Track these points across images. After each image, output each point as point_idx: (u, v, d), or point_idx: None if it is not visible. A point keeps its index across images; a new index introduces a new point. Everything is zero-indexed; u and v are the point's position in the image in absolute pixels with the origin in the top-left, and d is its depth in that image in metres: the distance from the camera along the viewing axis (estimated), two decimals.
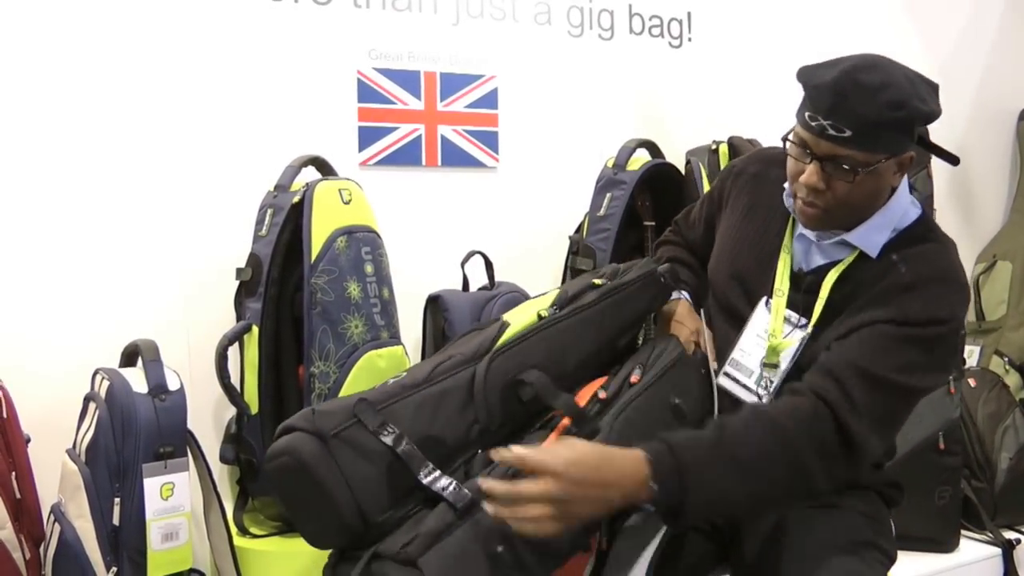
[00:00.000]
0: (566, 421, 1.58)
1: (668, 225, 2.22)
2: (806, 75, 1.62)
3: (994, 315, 3.67)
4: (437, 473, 1.44)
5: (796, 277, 1.78)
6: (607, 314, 1.75)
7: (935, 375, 1.65)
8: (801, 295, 1.75)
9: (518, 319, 1.68)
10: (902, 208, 1.71)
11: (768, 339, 1.77)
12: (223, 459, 2.41)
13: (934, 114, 1.60)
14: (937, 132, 3.17)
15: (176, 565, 2.10)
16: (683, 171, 2.88)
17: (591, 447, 1.45)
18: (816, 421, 1.54)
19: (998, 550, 2.96)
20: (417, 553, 1.35)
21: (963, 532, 2.99)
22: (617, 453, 1.44)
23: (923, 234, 1.71)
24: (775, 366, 1.76)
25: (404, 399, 1.50)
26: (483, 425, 1.54)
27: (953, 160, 1.72)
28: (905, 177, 1.71)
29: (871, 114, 1.55)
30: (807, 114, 1.61)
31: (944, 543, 2.91)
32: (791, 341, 1.74)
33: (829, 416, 1.54)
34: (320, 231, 2.23)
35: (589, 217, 2.71)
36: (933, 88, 1.63)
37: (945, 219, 3.50)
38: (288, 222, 2.28)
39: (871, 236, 1.70)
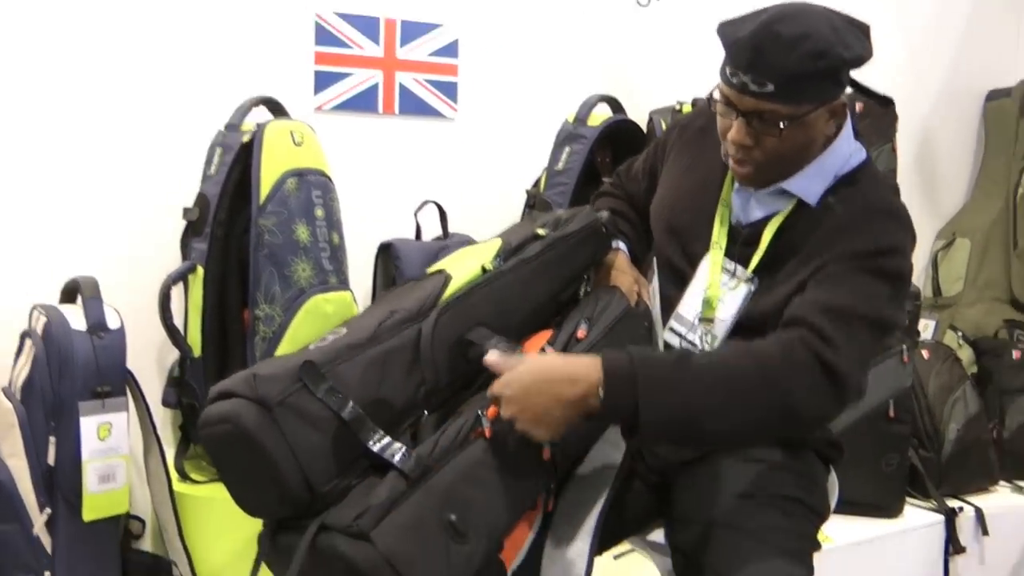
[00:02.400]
0: None
1: None
2: (725, 30, 1.59)
3: (951, 291, 3.69)
4: (386, 439, 1.37)
5: (734, 231, 1.74)
6: (552, 267, 1.70)
7: (896, 308, 1.61)
8: (739, 247, 1.72)
9: (460, 271, 1.62)
10: (843, 155, 1.68)
11: (705, 292, 1.74)
12: (165, 403, 2.38)
13: (862, 59, 1.56)
14: (905, 110, 3.25)
15: (112, 508, 2.07)
16: (645, 130, 2.85)
17: (555, 356, 1.50)
18: (795, 354, 1.50)
19: (941, 517, 2.99)
20: (370, 525, 1.29)
21: (908, 500, 3.01)
22: (575, 359, 1.47)
23: (860, 178, 1.68)
24: (711, 320, 1.73)
25: (350, 360, 1.42)
26: (430, 386, 1.48)
27: (885, 101, 1.69)
28: (848, 124, 1.69)
29: (792, 66, 1.51)
30: (728, 70, 1.58)
31: (889, 509, 2.94)
32: (732, 294, 1.71)
33: (808, 352, 1.50)
34: (270, 172, 2.19)
35: (547, 171, 2.69)
36: (862, 31, 1.59)
37: (908, 195, 3.38)
38: (237, 162, 2.23)
39: (809, 184, 1.67)
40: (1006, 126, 3.85)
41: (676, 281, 1.80)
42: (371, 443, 1.37)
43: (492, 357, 1.46)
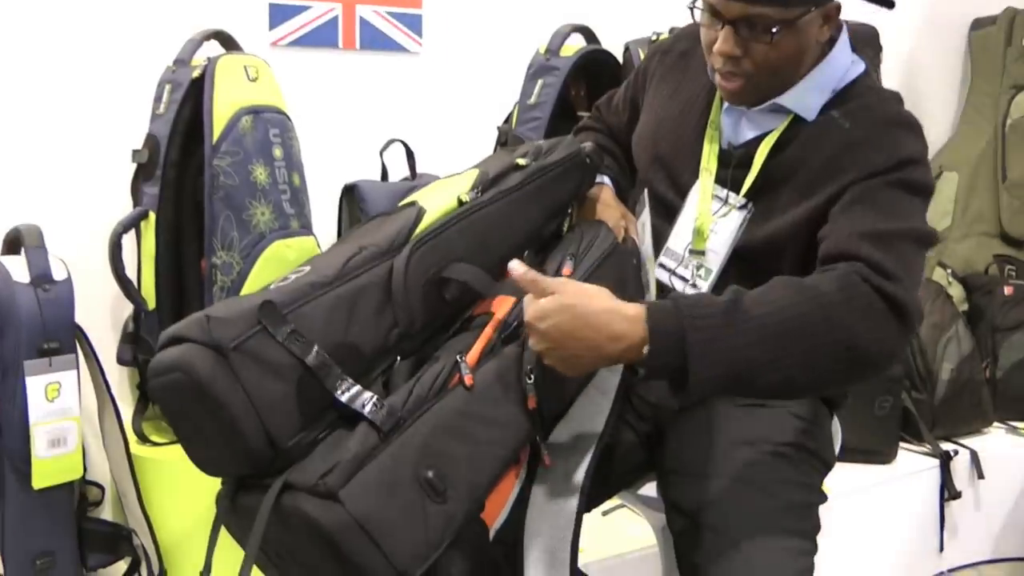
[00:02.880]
0: (497, 319, 1.42)
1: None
2: None
3: (938, 226, 3.59)
4: (356, 388, 1.25)
5: (725, 155, 1.64)
6: (534, 198, 1.58)
7: (925, 218, 1.51)
8: (731, 172, 1.61)
9: (434, 203, 1.49)
10: (841, 66, 1.58)
11: (694, 221, 1.63)
12: (120, 360, 2.26)
13: None
14: (888, 42, 3.14)
15: (65, 474, 1.95)
16: (621, 60, 2.73)
17: (600, 295, 1.34)
18: (855, 291, 1.37)
19: (936, 462, 2.94)
20: (338, 484, 1.17)
21: (901, 444, 2.96)
22: (620, 308, 1.32)
23: (863, 91, 1.58)
24: (702, 252, 1.63)
25: (314, 300, 1.28)
26: (403, 328, 1.36)
27: (888, 4, 1.59)
28: (844, 34, 1.59)
29: None
30: None
31: (882, 454, 2.88)
32: (725, 221, 1.60)
33: (867, 287, 1.37)
34: (223, 109, 2.08)
35: (519, 106, 2.59)
36: None
37: None
38: (188, 99, 2.13)
39: (805, 97, 1.56)
40: (992, 55, 3.74)
41: (665, 214, 1.70)
42: (338, 392, 1.24)
43: (519, 269, 1.33)
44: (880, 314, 1.36)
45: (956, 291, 3.38)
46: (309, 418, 1.24)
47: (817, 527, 1.50)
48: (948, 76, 3.92)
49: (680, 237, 1.66)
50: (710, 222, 1.61)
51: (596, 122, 1.98)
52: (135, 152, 2.18)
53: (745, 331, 1.30)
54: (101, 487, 2.23)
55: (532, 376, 1.36)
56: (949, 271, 3.47)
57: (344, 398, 1.24)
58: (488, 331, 1.39)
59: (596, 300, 1.32)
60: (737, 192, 1.59)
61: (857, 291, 1.36)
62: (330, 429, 1.25)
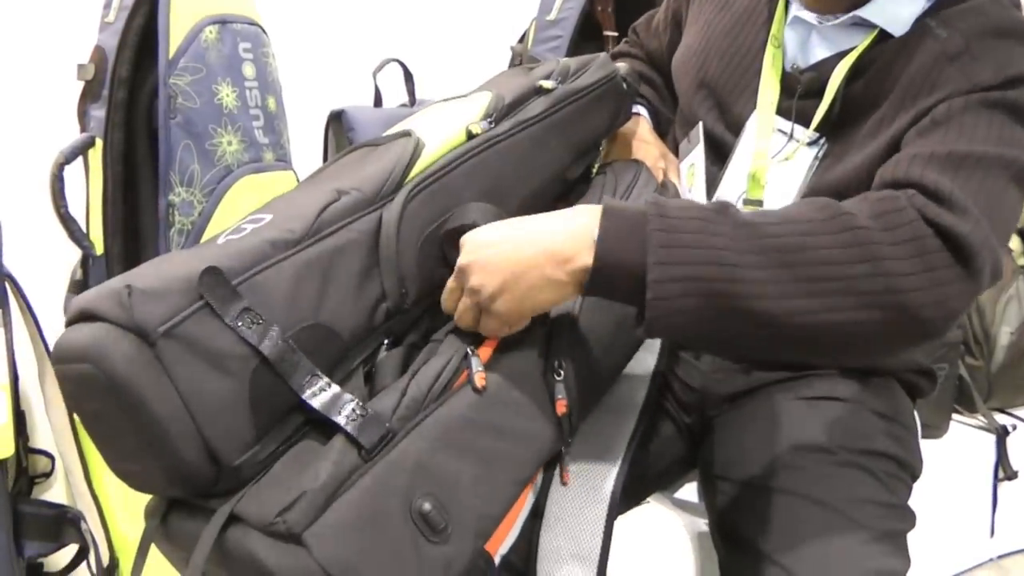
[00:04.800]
0: None
1: None
2: None
3: None
4: (331, 390, 0.96)
5: (789, 79, 1.35)
6: (560, 131, 1.28)
7: None
8: (798, 101, 1.33)
9: (436, 135, 1.18)
10: None
11: (751, 163, 1.34)
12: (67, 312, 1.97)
13: None
14: None
15: None
16: None
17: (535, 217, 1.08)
18: (897, 217, 1.04)
19: (991, 437, 2.67)
20: (303, 523, 0.88)
21: (953, 416, 2.68)
22: (559, 212, 1.07)
23: None
24: (759, 202, 1.34)
25: (274, 265, 0.98)
26: (393, 302, 1.06)
27: None
28: None
29: None
30: None
31: (934, 428, 2.59)
32: (789, 165, 1.32)
33: (916, 216, 1.05)
34: (182, 17, 1.83)
35: (536, 22, 2.41)
36: None
37: None
38: (141, 4, 1.86)
39: (895, 8, 1.26)
40: None
41: (714, 154, 1.42)
42: (307, 393, 0.95)
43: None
44: (934, 255, 1.02)
45: (1016, 244, 3.08)
46: (265, 426, 0.95)
47: (908, 565, 1.19)
48: None
49: (732, 184, 1.38)
50: (769, 165, 1.33)
51: (633, 47, 1.72)
52: (80, 67, 1.92)
53: (732, 234, 1.00)
54: (51, 456, 1.99)
55: (562, 371, 1.07)
56: None
57: (315, 402, 0.95)
58: None
59: (538, 223, 1.06)
60: (807, 126, 1.31)
61: (901, 217, 1.03)
62: (295, 438, 0.96)
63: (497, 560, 1.12)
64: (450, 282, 1.06)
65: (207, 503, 0.93)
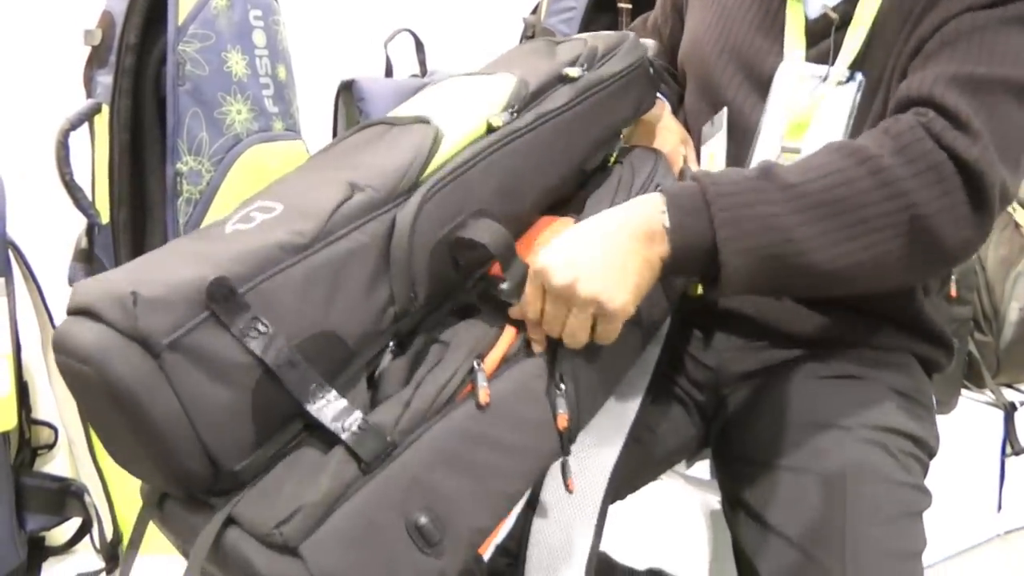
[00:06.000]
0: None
1: (649, 8, 1.76)
2: None
3: None
4: (337, 403, 0.95)
5: (813, 28, 1.34)
6: (585, 123, 1.24)
7: None
8: (829, 42, 1.32)
9: (456, 126, 1.13)
10: None
11: (787, 113, 1.34)
12: (72, 283, 1.97)
13: None
14: None
15: None
16: None
17: (586, 223, 1.11)
18: (914, 145, 1.10)
19: (999, 412, 2.65)
20: (300, 536, 0.88)
21: (961, 392, 2.68)
22: (626, 206, 1.12)
23: None
24: (796, 151, 1.33)
25: (283, 271, 0.95)
26: (401, 307, 1.03)
27: None
28: None
29: None
30: None
31: (943, 404, 2.58)
32: (828, 106, 1.31)
33: (931, 140, 1.10)
34: None
35: None
36: None
37: None
38: None
39: None
40: None
41: (741, 132, 1.39)
42: (311, 404, 0.94)
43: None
44: (948, 179, 1.09)
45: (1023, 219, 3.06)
46: (266, 434, 0.94)
47: (924, 544, 1.19)
48: None
49: (768, 142, 1.35)
50: (806, 110, 1.33)
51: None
52: (87, 33, 1.87)
53: (781, 199, 1.07)
54: (54, 427, 1.96)
55: (564, 385, 1.07)
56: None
57: (319, 414, 0.93)
58: (512, 330, 1.08)
59: (599, 215, 1.12)
60: (841, 65, 1.31)
61: (919, 148, 1.09)
62: (294, 443, 0.96)
63: (488, 554, 1.12)
64: (528, 291, 1.07)
65: (205, 498, 0.93)
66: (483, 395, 1.00)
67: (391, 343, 1.03)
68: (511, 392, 1.04)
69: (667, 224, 1.06)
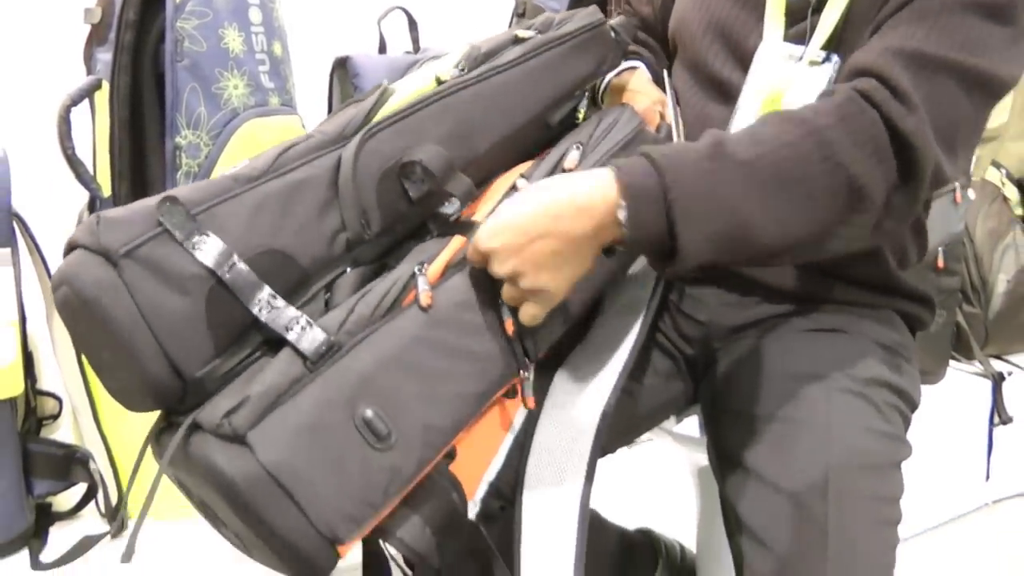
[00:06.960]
0: (476, 221, 1.14)
1: None
2: None
3: (994, 122, 3.26)
4: (280, 306, 1.01)
5: (793, 8, 1.36)
6: (535, 77, 1.29)
7: (1008, 60, 1.19)
8: (807, 22, 1.34)
9: (407, 85, 1.22)
10: None
11: (765, 92, 1.35)
12: None
13: None
14: None
15: (1, 390, 1.68)
16: None
17: (545, 181, 1.12)
18: (855, 111, 1.11)
19: (987, 383, 2.68)
20: (246, 424, 0.94)
21: (950, 363, 2.71)
22: (574, 177, 1.11)
23: None
24: None
25: (234, 198, 1.05)
26: (353, 233, 1.11)
27: None
28: None
29: None
30: None
31: (931, 374, 2.61)
32: (802, 86, 1.32)
33: (870, 108, 1.11)
34: None
35: None
36: None
37: None
38: None
39: None
40: None
41: (721, 99, 1.42)
42: (254, 307, 1.01)
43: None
44: (881, 148, 1.10)
45: (1012, 193, 3.07)
46: (224, 343, 1.01)
47: (902, 490, 1.23)
48: None
49: (744, 121, 1.37)
50: (782, 90, 1.34)
51: (627, 16, 1.66)
52: (87, 11, 1.90)
53: (733, 179, 1.06)
54: (58, 398, 2.00)
55: None
56: (1003, 171, 3.16)
57: (264, 317, 1.01)
58: (460, 239, 1.13)
59: (543, 184, 1.11)
60: (816, 46, 1.32)
61: (860, 116, 1.10)
62: (254, 355, 1.03)
63: (481, 492, 1.16)
64: (469, 254, 1.09)
65: (179, 420, 0.99)
66: (424, 298, 1.06)
67: (348, 269, 1.10)
68: (456, 296, 1.09)
69: (622, 217, 1.05)
